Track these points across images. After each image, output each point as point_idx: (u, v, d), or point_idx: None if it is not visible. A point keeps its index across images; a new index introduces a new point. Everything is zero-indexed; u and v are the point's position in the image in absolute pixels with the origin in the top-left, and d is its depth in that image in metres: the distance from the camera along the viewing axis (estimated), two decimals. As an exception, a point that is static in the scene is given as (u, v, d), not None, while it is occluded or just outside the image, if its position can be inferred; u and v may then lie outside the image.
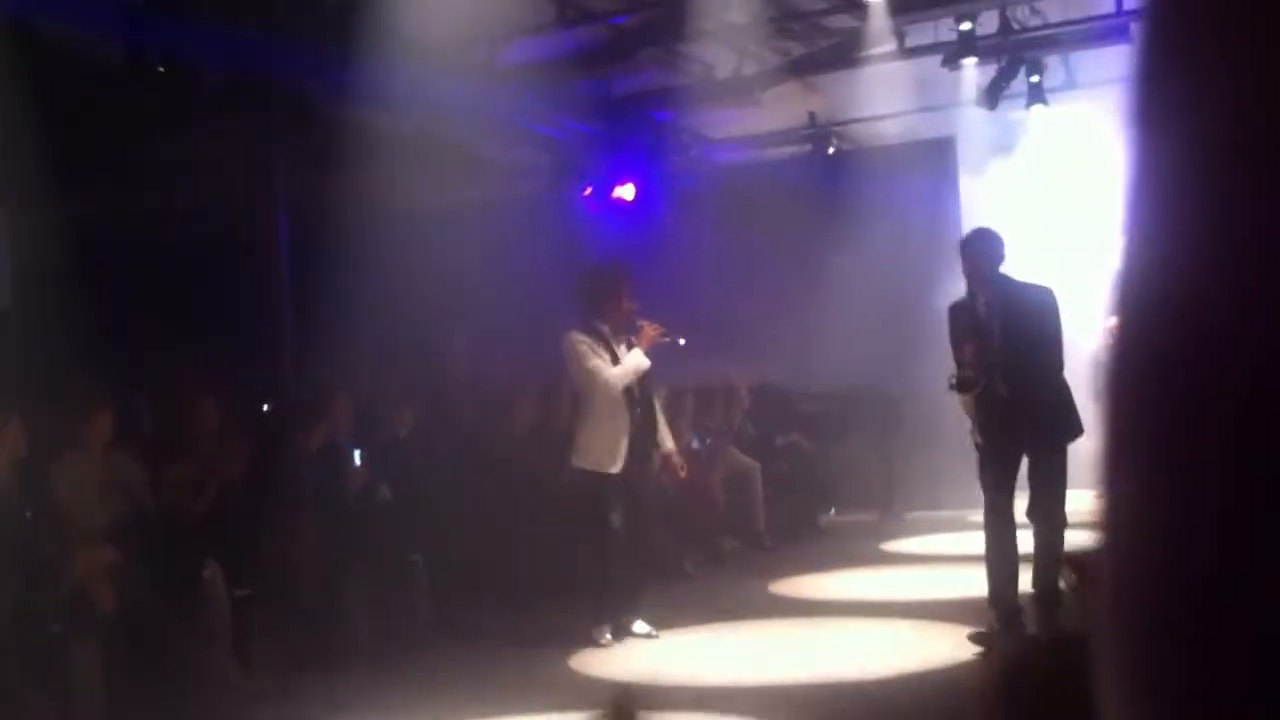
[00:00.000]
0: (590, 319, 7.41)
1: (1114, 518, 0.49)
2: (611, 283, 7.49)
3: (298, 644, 6.80)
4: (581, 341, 7.29)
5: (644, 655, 6.94)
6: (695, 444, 10.87)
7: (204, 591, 6.21)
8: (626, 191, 12.89)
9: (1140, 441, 0.48)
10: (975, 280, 6.77)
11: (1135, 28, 10.88)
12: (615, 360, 7.30)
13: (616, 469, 7.19)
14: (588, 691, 6.08)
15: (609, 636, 7.23)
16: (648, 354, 7.39)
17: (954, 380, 6.71)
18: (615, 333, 7.39)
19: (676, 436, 10.48)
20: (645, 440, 7.42)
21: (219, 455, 6.72)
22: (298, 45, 9.30)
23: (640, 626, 7.35)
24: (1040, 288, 6.84)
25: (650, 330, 7.41)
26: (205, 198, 10.40)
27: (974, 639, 6.29)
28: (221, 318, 10.51)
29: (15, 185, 8.49)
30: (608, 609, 7.28)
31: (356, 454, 7.72)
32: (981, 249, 6.86)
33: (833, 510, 12.36)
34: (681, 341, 7.68)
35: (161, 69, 8.33)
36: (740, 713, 5.46)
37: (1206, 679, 0.44)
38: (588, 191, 12.63)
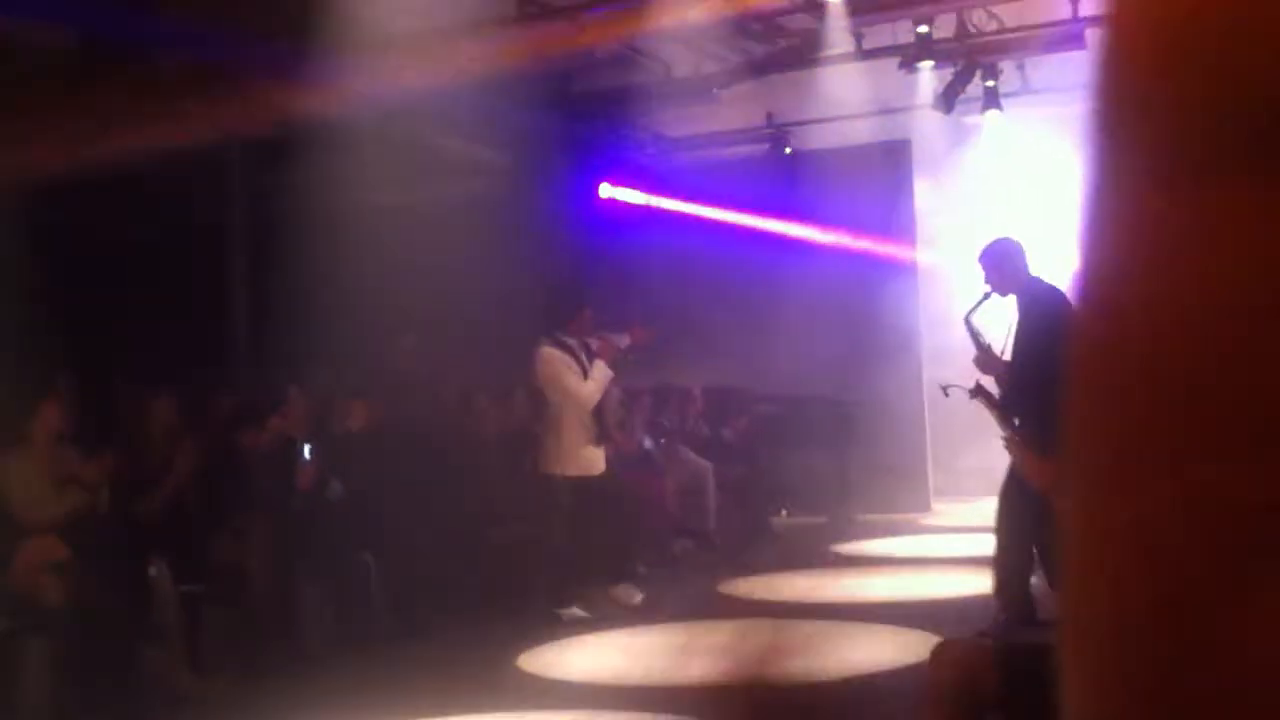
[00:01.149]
0: (555, 331, 7.88)
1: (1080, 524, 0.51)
2: (574, 295, 8.10)
3: (247, 642, 6.76)
4: (556, 358, 7.83)
5: (593, 655, 6.95)
6: (649, 444, 10.89)
7: (153, 590, 6.16)
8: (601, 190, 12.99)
9: (1096, 444, 0.50)
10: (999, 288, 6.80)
11: (1090, 35, 10.99)
12: (583, 369, 7.83)
13: (600, 470, 7.98)
14: (540, 692, 6.09)
15: (578, 610, 7.84)
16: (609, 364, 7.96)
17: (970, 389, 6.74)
18: (580, 343, 7.91)
19: (630, 437, 10.55)
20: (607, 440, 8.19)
21: (172, 451, 6.67)
22: (255, 36, 9.23)
23: (577, 611, 7.85)
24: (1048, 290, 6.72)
25: (609, 346, 7.97)
26: (159, 190, 10.31)
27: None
28: (174, 312, 10.42)
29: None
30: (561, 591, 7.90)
31: (307, 450, 7.68)
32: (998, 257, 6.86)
33: (784, 512, 12.41)
34: (627, 342, 8.17)
35: (117, 59, 8.25)
36: (688, 712, 5.48)
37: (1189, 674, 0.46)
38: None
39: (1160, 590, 0.46)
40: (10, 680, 5.55)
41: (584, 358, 7.89)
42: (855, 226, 12.68)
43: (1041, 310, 6.50)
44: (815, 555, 10.51)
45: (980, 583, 8.67)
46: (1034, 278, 6.80)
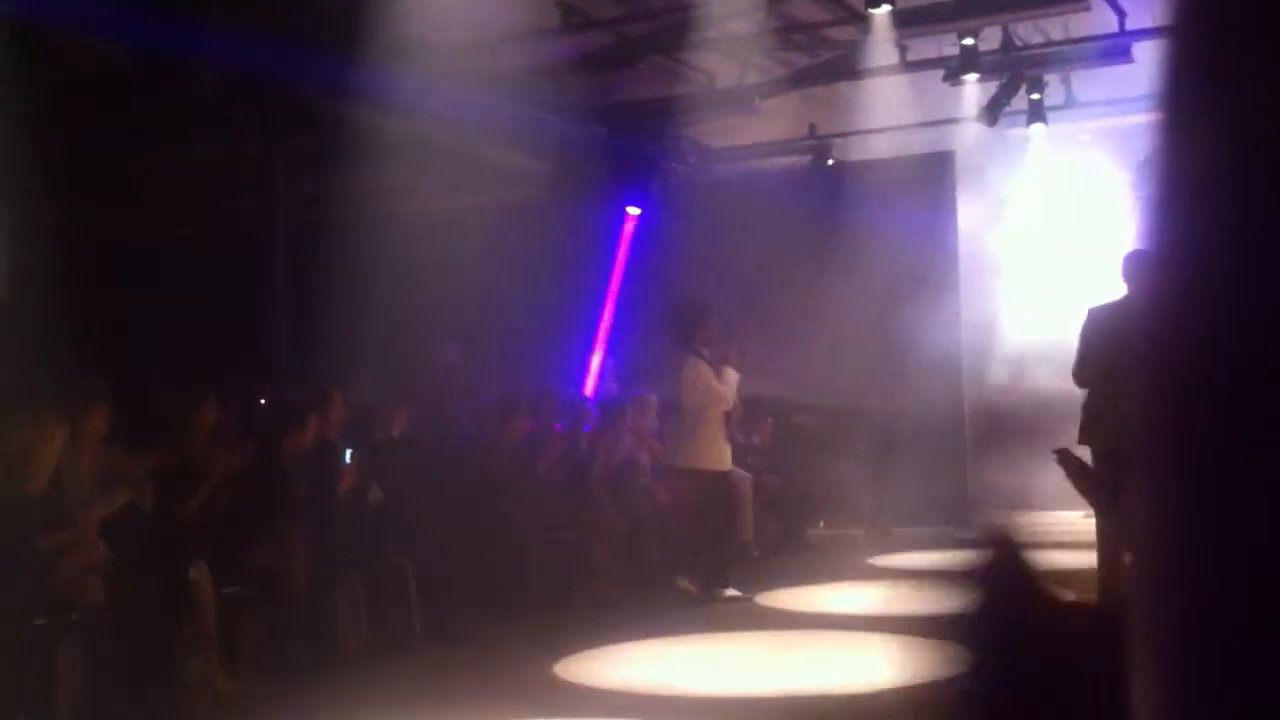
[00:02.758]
0: (694, 346, 8.94)
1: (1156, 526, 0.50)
2: (702, 315, 9.06)
3: (285, 645, 6.79)
4: (701, 366, 8.90)
5: (630, 664, 6.94)
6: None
7: (192, 592, 6.19)
8: (633, 209, 13.00)
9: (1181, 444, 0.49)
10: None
11: (1137, 49, 10.91)
12: (718, 379, 8.96)
13: (727, 467, 9.05)
14: (574, 700, 6.08)
15: (733, 590, 8.79)
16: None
17: None
18: (709, 352, 9.02)
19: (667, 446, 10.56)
20: None
21: (215, 454, 6.71)
22: (300, 46, 9.31)
23: (732, 591, 8.79)
24: None
25: (734, 358, 9.29)
26: (205, 197, 10.41)
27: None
28: (218, 317, 10.51)
29: (16, 181, 8.49)
30: (721, 574, 8.85)
31: (348, 454, 7.72)
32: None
33: (821, 524, 12.36)
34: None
35: (165, 68, 8.34)
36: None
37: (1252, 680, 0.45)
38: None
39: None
40: (49, 679, 5.59)
41: (715, 369, 8.99)
42: (897, 238, 12.62)
43: None
44: (852, 567, 10.46)
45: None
46: None
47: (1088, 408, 6.91)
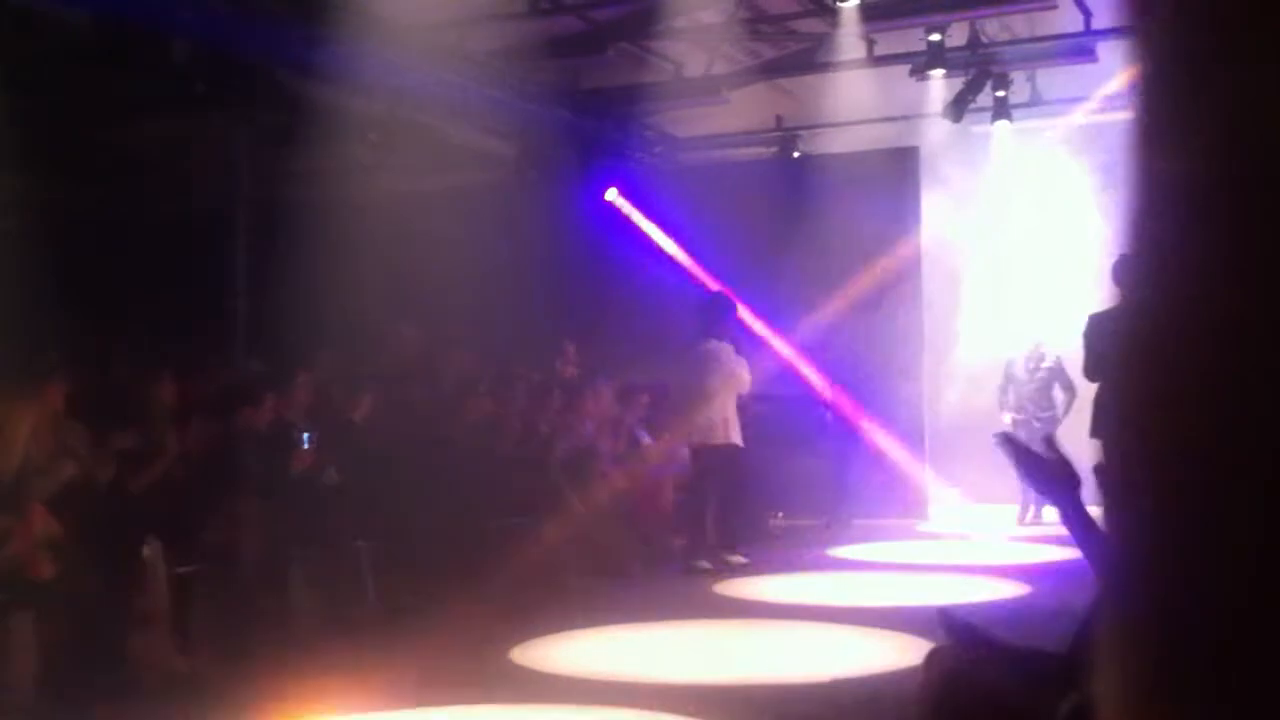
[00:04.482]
0: (718, 335, 9.93)
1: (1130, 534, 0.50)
2: (728, 308, 10.12)
3: (237, 624, 6.74)
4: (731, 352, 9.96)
5: (587, 651, 6.93)
6: (646, 440, 10.89)
7: (144, 569, 6.13)
8: (609, 194, 12.98)
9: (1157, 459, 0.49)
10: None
11: (1102, 48, 10.99)
12: (722, 365, 9.85)
13: (722, 442, 9.90)
14: (531, 685, 6.07)
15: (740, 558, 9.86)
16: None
17: None
18: (721, 348, 9.94)
19: (626, 433, 10.57)
20: None
21: (172, 430, 6.65)
22: (266, 22, 9.22)
23: (737, 558, 9.84)
24: None
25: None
26: (168, 172, 10.30)
27: None
28: (180, 293, 10.40)
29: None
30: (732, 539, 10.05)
31: (305, 436, 7.66)
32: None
33: (780, 514, 12.39)
34: None
35: (131, 42, 8.23)
36: (682, 711, 5.46)
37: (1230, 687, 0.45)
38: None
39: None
40: (1, 654, 5.53)
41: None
42: (861, 231, 12.66)
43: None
44: (810, 558, 10.50)
45: (974, 590, 8.67)
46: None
47: (1098, 402, 7.40)
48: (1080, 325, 8.48)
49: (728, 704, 5.62)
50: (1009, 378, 12.08)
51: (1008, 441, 2.93)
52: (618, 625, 7.55)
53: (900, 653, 6.45)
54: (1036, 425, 11.04)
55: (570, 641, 7.15)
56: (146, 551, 6.13)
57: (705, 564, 9.63)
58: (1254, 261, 0.46)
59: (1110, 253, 12.06)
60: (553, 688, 6.01)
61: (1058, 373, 11.67)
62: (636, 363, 11.44)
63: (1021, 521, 11.88)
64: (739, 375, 9.97)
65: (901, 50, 11.73)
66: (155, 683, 5.95)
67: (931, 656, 2.70)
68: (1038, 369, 11.87)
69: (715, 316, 9.99)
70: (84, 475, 6.08)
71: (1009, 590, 8.55)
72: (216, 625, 6.66)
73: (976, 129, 12.93)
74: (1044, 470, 2.81)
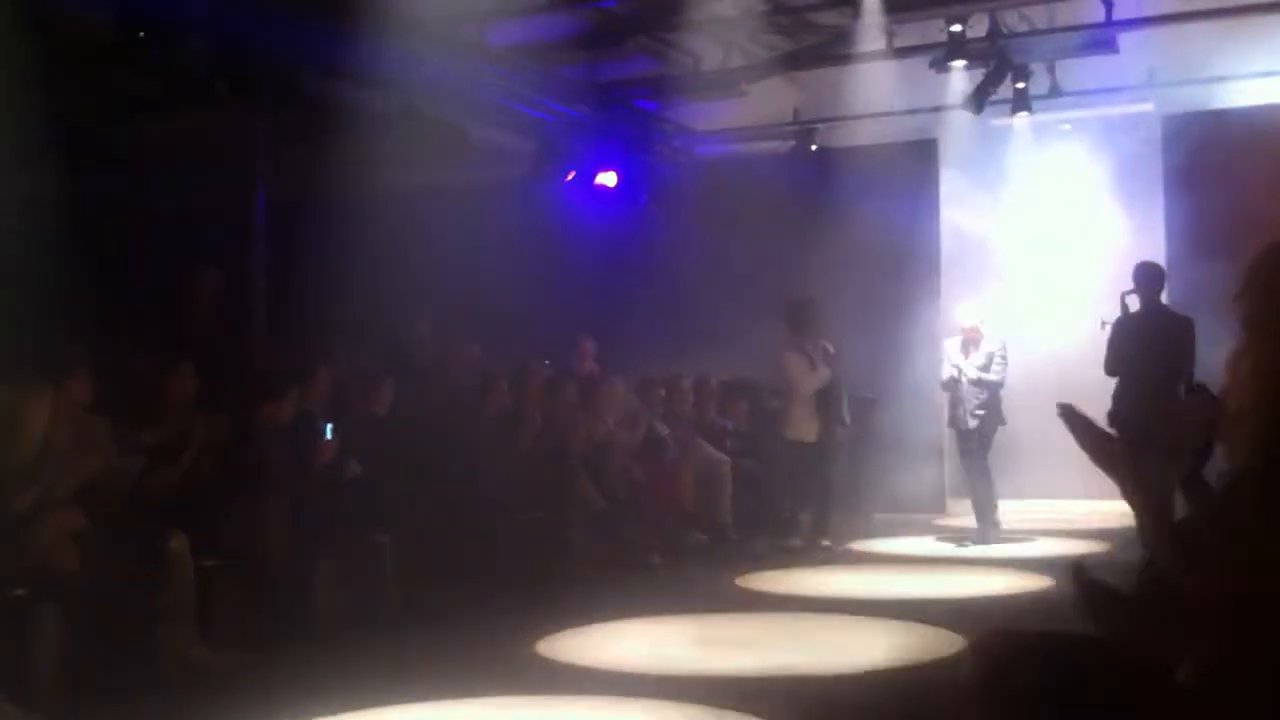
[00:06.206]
0: (798, 339, 10.79)
1: None
2: (814, 312, 10.88)
3: (261, 618, 6.74)
4: (793, 357, 10.79)
5: (611, 644, 6.92)
6: (664, 432, 10.87)
7: (169, 562, 6.13)
8: (608, 179, 12.85)
9: None
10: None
11: (1123, 39, 10.93)
12: (811, 362, 10.76)
13: (814, 439, 10.76)
14: (556, 678, 6.06)
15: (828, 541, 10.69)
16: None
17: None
18: (812, 349, 10.79)
19: (641, 425, 10.57)
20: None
21: (195, 423, 6.65)
22: (284, 18, 9.21)
23: (826, 542, 10.66)
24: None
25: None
26: (186, 168, 10.31)
27: None
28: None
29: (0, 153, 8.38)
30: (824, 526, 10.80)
31: (328, 429, 7.65)
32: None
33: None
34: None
35: (149, 40, 8.24)
36: (704, 702, 5.44)
37: None
38: (570, 176, 12.57)
39: None
40: (23, 647, 5.53)
41: (814, 360, 10.78)
42: (880, 224, 12.62)
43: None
44: (830, 552, 10.48)
45: (993, 582, 8.64)
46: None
47: (1116, 396, 8.55)
48: (1093, 317, 9.15)
49: (753, 695, 5.58)
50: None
51: (1071, 414, 2.86)
52: (641, 618, 7.54)
53: (922, 645, 6.44)
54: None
55: (595, 634, 7.13)
56: (172, 545, 6.13)
57: (797, 541, 10.60)
58: None
59: (1127, 244, 12.02)
60: (578, 680, 6.00)
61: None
62: (655, 357, 11.46)
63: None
64: (827, 374, 10.76)
65: (920, 42, 11.68)
66: (179, 676, 5.95)
67: (978, 645, 2.66)
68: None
69: (806, 318, 10.83)
70: (109, 468, 6.08)
71: (1032, 584, 8.52)
72: (240, 618, 6.66)
73: (997, 121, 12.87)
74: (1106, 445, 2.76)
